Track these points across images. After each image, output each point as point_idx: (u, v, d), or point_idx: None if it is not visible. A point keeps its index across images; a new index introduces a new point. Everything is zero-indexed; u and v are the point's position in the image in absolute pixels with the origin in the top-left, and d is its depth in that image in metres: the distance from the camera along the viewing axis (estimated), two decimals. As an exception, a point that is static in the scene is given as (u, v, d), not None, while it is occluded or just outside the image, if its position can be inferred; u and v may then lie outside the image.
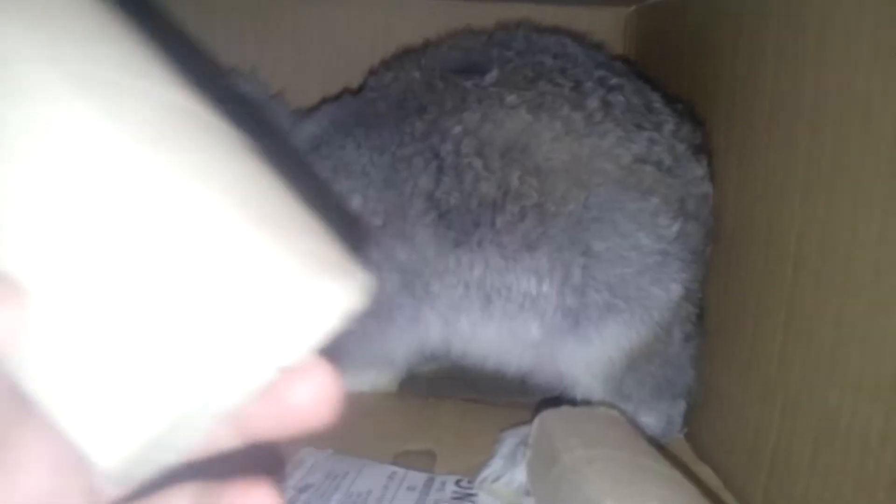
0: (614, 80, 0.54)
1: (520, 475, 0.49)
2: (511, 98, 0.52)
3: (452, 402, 0.63)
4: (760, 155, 0.50)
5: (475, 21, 0.66)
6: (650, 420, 0.55)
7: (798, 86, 0.45)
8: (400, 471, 0.51)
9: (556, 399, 0.55)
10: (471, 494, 0.49)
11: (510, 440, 0.51)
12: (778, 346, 0.47)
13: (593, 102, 0.52)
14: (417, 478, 0.51)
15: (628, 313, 0.51)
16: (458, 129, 0.52)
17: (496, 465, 0.51)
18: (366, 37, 0.73)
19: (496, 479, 0.50)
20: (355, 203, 0.55)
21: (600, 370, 0.53)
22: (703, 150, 0.55)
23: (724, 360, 0.54)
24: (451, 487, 0.50)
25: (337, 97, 0.64)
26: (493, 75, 0.54)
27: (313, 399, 0.20)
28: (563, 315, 0.52)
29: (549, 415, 0.46)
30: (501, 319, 0.54)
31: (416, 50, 0.62)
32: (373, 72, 0.63)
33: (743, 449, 0.50)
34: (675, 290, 0.52)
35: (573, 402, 0.54)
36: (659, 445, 0.54)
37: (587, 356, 0.53)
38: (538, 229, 0.51)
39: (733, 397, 0.52)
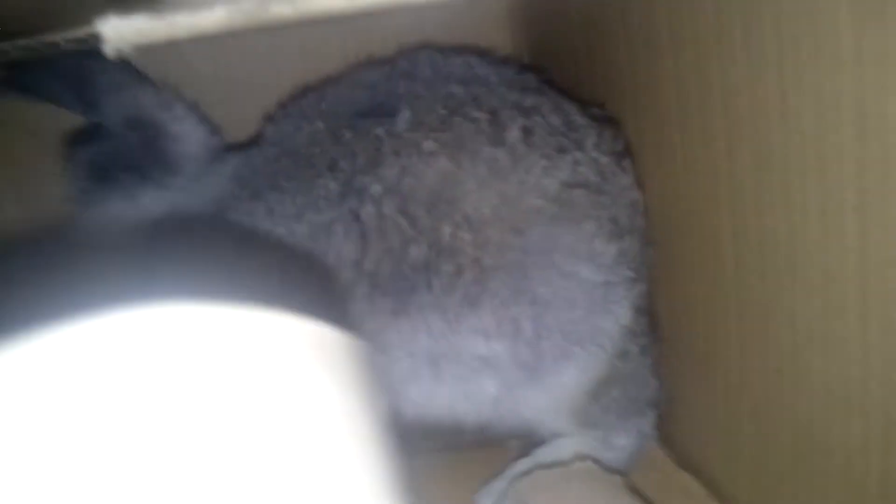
0: (530, 101, 0.50)
1: None
2: (428, 144, 0.47)
3: (422, 458, 0.59)
4: (678, 150, 0.47)
5: (359, 34, 0.61)
6: (622, 440, 0.53)
7: (703, 72, 0.42)
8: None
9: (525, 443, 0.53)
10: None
11: (484, 503, 0.49)
12: (734, 352, 0.45)
13: (513, 133, 0.48)
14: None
15: (584, 353, 0.48)
16: (376, 187, 0.47)
17: None
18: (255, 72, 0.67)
19: None
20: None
21: (563, 409, 0.51)
22: (625, 154, 0.52)
23: (684, 366, 0.52)
24: (434, 566, 0.47)
25: (241, 146, 0.57)
26: (404, 117, 0.48)
27: None
28: (518, 369, 0.48)
29: (524, 485, 0.43)
30: (454, 383, 0.49)
31: (314, 90, 0.56)
32: (269, 118, 0.56)
33: (720, 455, 0.49)
34: (624, 314, 0.49)
35: (540, 442, 0.52)
36: (634, 462, 0.53)
37: (548, 400, 0.50)
38: (478, 286, 0.47)
39: (701, 405, 0.50)
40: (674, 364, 0.53)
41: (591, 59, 0.58)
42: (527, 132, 0.48)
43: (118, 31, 0.25)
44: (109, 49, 0.25)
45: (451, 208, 0.47)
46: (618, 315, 0.49)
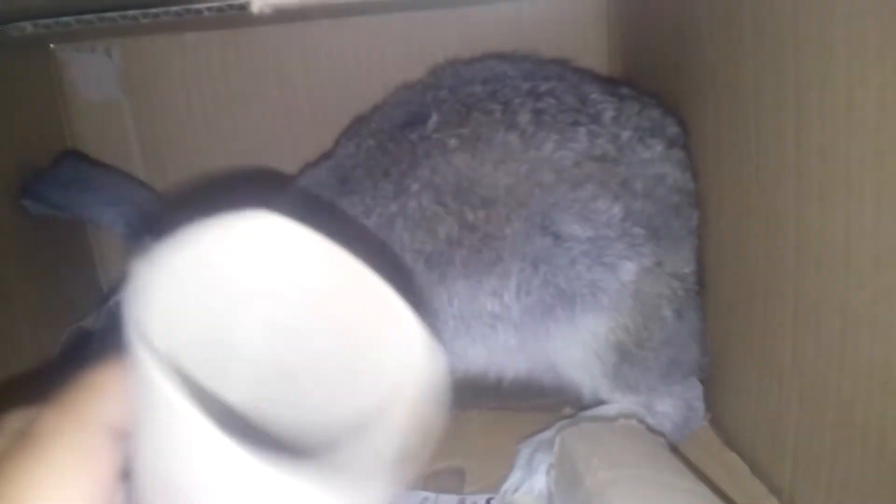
0: (543, 87, 0.56)
1: (538, 482, 0.51)
2: (452, 141, 0.55)
3: (478, 412, 0.63)
4: (751, 142, 0.50)
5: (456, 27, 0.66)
6: (667, 408, 0.55)
7: (779, 71, 0.45)
8: (431, 496, 0.53)
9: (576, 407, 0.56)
10: (503, 513, 0.50)
11: (525, 450, 0.53)
12: (789, 334, 0.47)
13: (524, 117, 0.54)
14: (449, 502, 0.52)
15: (572, 305, 0.53)
16: (415, 186, 0.56)
17: (515, 476, 0.52)
18: (350, 64, 0.75)
19: (516, 490, 0.51)
20: None
21: (594, 367, 0.55)
22: (655, 133, 0.56)
23: (739, 345, 0.54)
24: (482, 507, 0.51)
25: (316, 162, 0.66)
26: (433, 121, 0.57)
27: None
28: (523, 324, 0.55)
29: (568, 434, 0.46)
30: (483, 340, 0.57)
31: (364, 117, 0.65)
32: (337, 141, 0.65)
33: (766, 436, 0.51)
34: (629, 268, 0.53)
35: (590, 406, 0.55)
36: (682, 437, 0.56)
37: (570, 355, 0.55)
38: (492, 254, 0.55)
39: (752, 384, 0.52)
40: (729, 345, 0.55)
41: (678, 58, 0.60)
42: (537, 113, 0.55)
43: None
44: (255, 7, 0.30)
45: (471, 193, 0.55)
46: (614, 268, 0.53)
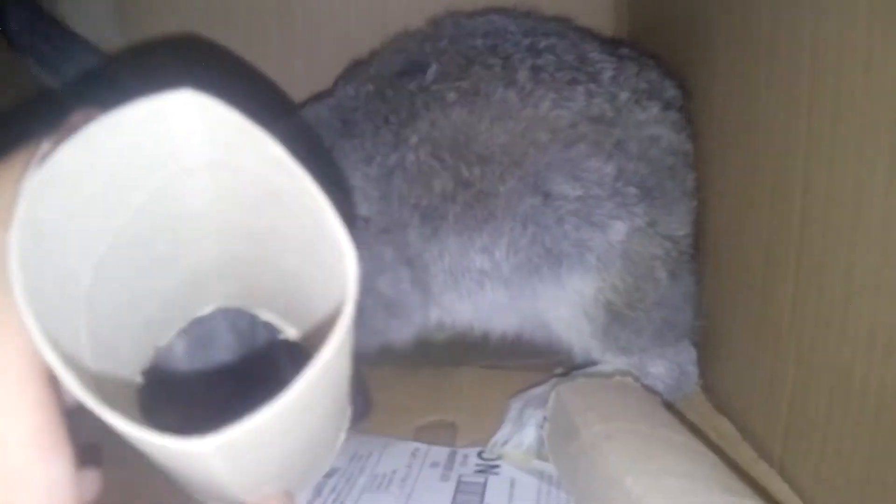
0: (543, 43, 0.55)
1: (527, 437, 0.51)
2: (450, 95, 0.54)
3: (469, 370, 0.63)
4: (761, 106, 0.49)
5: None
6: (660, 370, 0.56)
7: (796, 35, 0.44)
8: (422, 447, 0.53)
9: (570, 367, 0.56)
10: (493, 466, 0.50)
11: (516, 405, 0.53)
12: (789, 298, 0.47)
13: (523, 74, 0.54)
14: (440, 453, 0.52)
15: (558, 265, 0.53)
16: (414, 138, 0.55)
17: (504, 430, 0.52)
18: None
19: (505, 443, 0.51)
20: (362, 212, 0.57)
21: (584, 327, 0.55)
22: (653, 94, 0.55)
23: (735, 310, 0.54)
24: (473, 460, 0.51)
25: (303, 104, 0.65)
26: (432, 71, 0.56)
27: None
28: (511, 282, 0.55)
29: (564, 388, 0.46)
30: (471, 296, 0.57)
31: (364, 61, 0.64)
32: (337, 80, 0.64)
33: (759, 401, 0.51)
34: (618, 228, 0.52)
35: (583, 367, 0.55)
36: (674, 401, 0.56)
37: (559, 315, 0.55)
38: (484, 212, 0.54)
39: (747, 348, 0.52)
40: (724, 309, 0.55)
41: (688, 15, 0.59)
42: (536, 70, 0.54)
43: None
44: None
45: (467, 149, 0.54)
46: (604, 228, 0.52)
